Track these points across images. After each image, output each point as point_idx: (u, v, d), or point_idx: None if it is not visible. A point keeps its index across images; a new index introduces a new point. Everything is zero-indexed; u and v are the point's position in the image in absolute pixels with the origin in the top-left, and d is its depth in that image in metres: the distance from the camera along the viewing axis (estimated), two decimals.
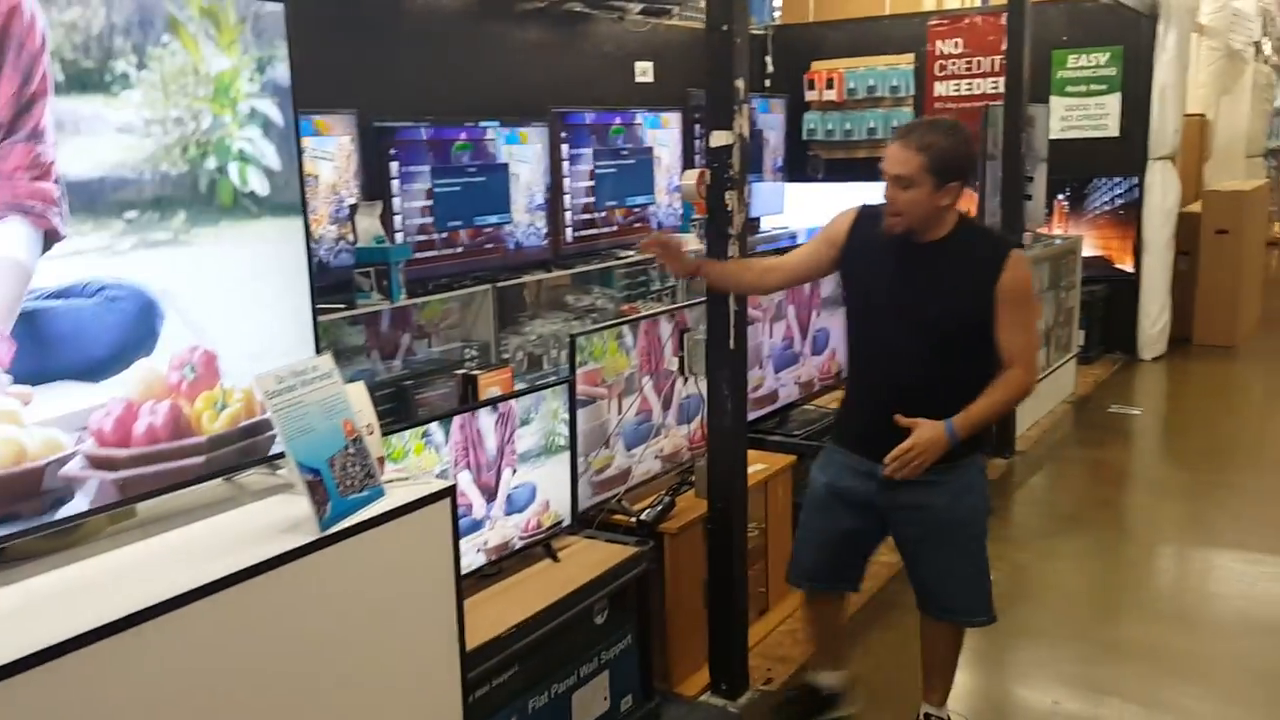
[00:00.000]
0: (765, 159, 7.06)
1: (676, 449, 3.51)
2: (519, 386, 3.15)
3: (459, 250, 4.63)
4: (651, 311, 3.55)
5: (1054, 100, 7.20)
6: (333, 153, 4.08)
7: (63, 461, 1.60)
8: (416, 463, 2.43)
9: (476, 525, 2.65)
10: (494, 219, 4.78)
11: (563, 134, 5.19)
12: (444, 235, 4.55)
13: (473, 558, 2.62)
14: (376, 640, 1.83)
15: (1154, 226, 7.24)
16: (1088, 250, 7.03)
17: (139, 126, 1.69)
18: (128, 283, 1.68)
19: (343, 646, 1.77)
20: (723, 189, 2.94)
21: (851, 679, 3.09)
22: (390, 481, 1.91)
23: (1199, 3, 7.81)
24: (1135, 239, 7.35)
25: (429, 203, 4.47)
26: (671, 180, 5.93)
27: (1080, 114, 7.30)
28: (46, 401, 1.58)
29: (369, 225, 4.03)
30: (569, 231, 5.26)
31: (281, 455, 1.87)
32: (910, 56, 7.37)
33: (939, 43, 7.18)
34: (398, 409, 3.94)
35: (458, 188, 4.59)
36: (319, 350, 2.01)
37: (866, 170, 5.01)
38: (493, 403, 2.70)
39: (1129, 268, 7.41)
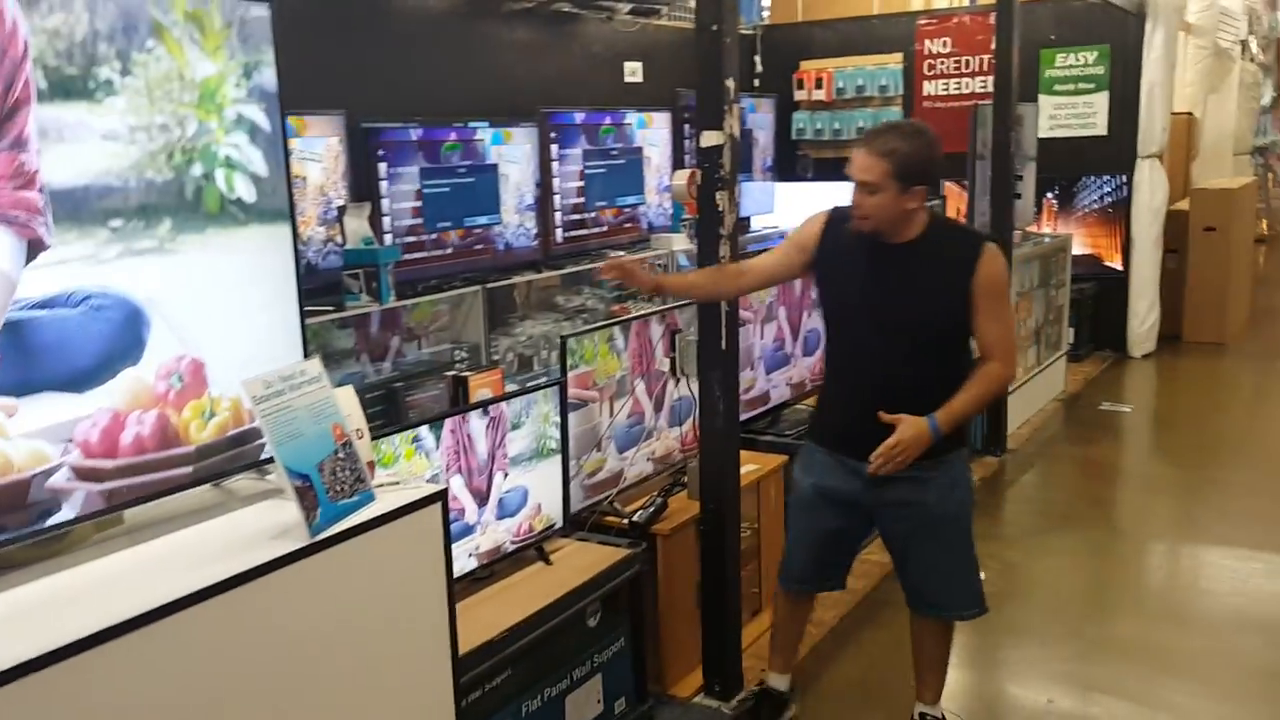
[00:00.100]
0: (755, 159, 7.07)
1: (668, 451, 3.51)
2: (510, 388, 3.14)
3: (448, 251, 4.62)
4: (643, 312, 3.53)
5: (1042, 99, 7.19)
6: (321, 154, 4.07)
7: (49, 473, 1.59)
8: (407, 468, 2.42)
9: (468, 530, 2.65)
10: (483, 220, 4.77)
11: (552, 134, 5.18)
12: (433, 236, 4.54)
13: (465, 562, 2.61)
14: (368, 646, 1.81)
15: (1142, 224, 7.26)
16: (1077, 248, 7.05)
17: (124, 133, 1.67)
18: (113, 292, 1.66)
19: (334, 653, 1.75)
20: (714, 189, 2.94)
21: (795, 681, 3.09)
22: (381, 486, 1.90)
23: (1186, 1, 7.84)
24: (1124, 237, 7.37)
25: (418, 204, 4.45)
26: (661, 180, 5.93)
27: (1069, 113, 7.32)
28: (32, 413, 1.56)
29: (357, 227, 4.01)
30: (559, 232, 5.26)
31: (271, 460, 1.86)
32: (899, 56, 7.39)
33: (927, 42, 7.19)
34: (388, 411, 3.92)
35: (447, 188, 4.58)
36: (307, 355, 2.00)
37: None
38: (484, 405, 2.70)
39: (1118, 266, 7.44)
